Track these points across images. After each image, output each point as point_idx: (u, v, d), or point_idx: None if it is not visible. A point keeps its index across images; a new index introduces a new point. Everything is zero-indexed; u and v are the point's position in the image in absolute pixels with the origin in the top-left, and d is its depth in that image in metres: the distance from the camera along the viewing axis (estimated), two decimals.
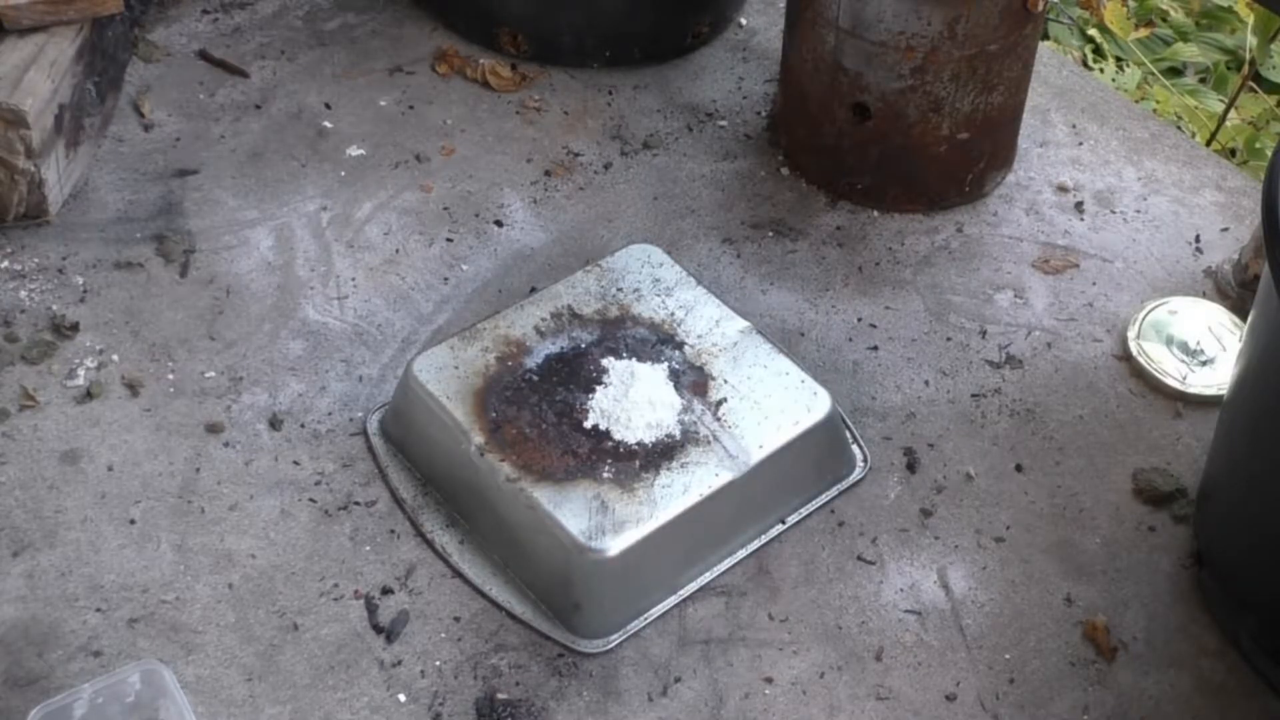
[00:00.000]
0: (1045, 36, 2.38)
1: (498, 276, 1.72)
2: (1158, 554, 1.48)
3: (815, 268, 1.76)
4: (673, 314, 1.55)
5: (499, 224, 1.79)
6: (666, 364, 1.49)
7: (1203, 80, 2.59)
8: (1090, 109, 2.01)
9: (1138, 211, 1.86)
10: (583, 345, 1.51)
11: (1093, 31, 2.59)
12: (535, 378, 1.47)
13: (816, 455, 1.49)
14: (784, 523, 1.48)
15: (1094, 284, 1.76)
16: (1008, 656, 1.39)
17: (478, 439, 1.41)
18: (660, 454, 1.41)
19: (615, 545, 1.34)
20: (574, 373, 1.47)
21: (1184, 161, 1.94)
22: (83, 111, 1.77)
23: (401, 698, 1.33)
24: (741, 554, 1.45)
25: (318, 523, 1.46)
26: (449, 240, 1.76)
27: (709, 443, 1.42)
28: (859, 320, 1.70)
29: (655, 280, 1.58)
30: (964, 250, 1.80)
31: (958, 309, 1.72)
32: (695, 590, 1.42)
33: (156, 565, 1.41)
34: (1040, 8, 1.72)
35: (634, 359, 1.49)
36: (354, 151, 1.87)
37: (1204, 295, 1.74)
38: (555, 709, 1.33)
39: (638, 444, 1.42)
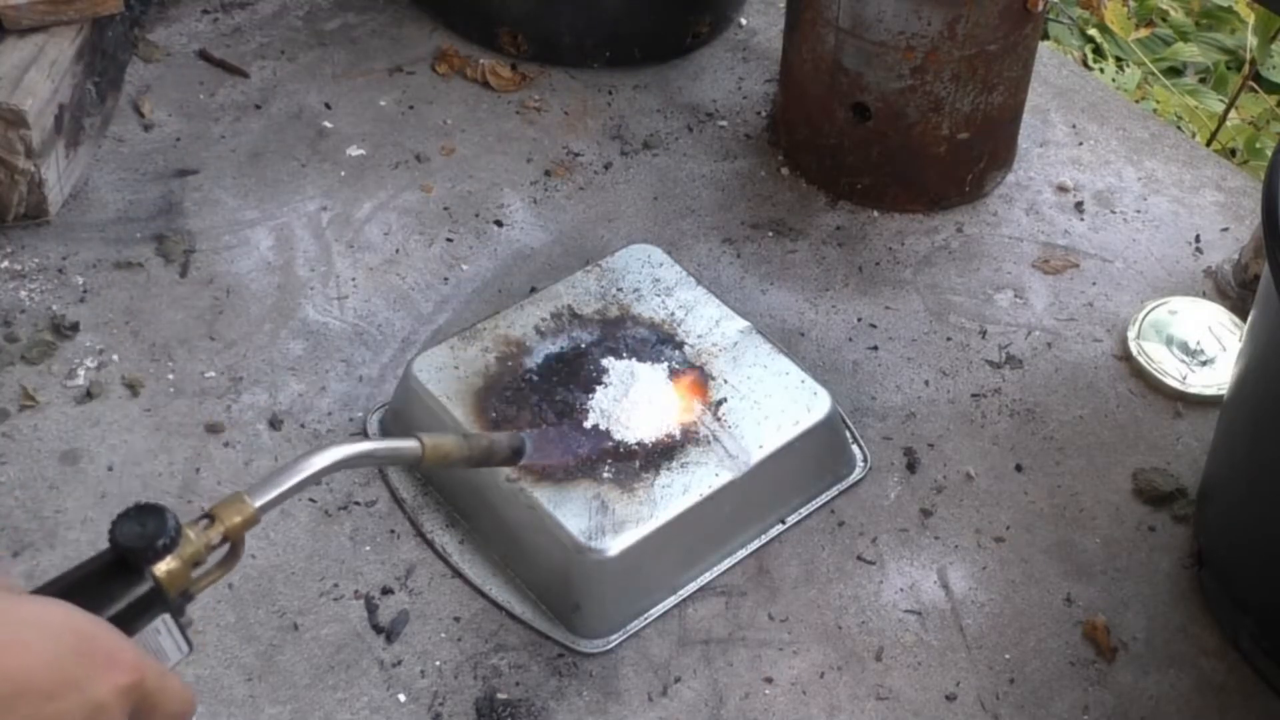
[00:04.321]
0: (1045, 36, 2.38)
1: (498, 276, 1.72)
2: (1158, 554, 1.48)
3: (815, 268, 1.76)
4: (673, 314, 1.54)
5: (499, 224, 1.79)
6: (666, 364, 1.49)
7: (1203, 80, 2.59)
8: (1090, 109, 2.01)
9: (1138, 211, 1.86)
10: (583, 345, 1.51)
11: (1093, 31, 2.59)
12: (535, 378, 1.47)
13: (816, 455, 1.49)
14: (784, 523, 1.48)
15: (1094, 284, 1.76)
16: (1008, 656, 1.39)
17: None
18: (660, 454, 1.41)
19: (615, 545, 1.34)
20: (574, 373, 1.47)
21: (1184, 161, 1.94)
22: (83, 111, 1.77)
23: (401, 698, 1.33)
24: (741, 554, 1.45)
25: (317, 523, 1.46)
26: (449, 240, 1.77)
27: (709, 443, 1.42)
28: (859, 320, 1.70)
29: (655, 280, 1.58)
30: (964, 250, 1.80)
31: (958, 309, 1.72)
32: (695, 590, 1.42)
33: None
34: (1040, 8, 1.72)
35: (634, 359, 1.49)
36: (354, 151, 1.87)
37: (1204, 295, 1.74)
38: (555, 709, 1.33)
39: (638, 444, 1.41)
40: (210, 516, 0.92)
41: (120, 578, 0.85)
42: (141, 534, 0.85)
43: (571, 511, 1.35)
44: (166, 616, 0.86)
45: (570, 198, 1.83)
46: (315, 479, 1.01)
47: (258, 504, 0.95)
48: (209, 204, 1.78)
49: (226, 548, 0.93)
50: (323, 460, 1.02)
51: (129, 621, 0.84)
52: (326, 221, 1.78)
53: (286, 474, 0.99)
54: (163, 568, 0.85)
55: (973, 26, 1.67)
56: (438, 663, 1.36)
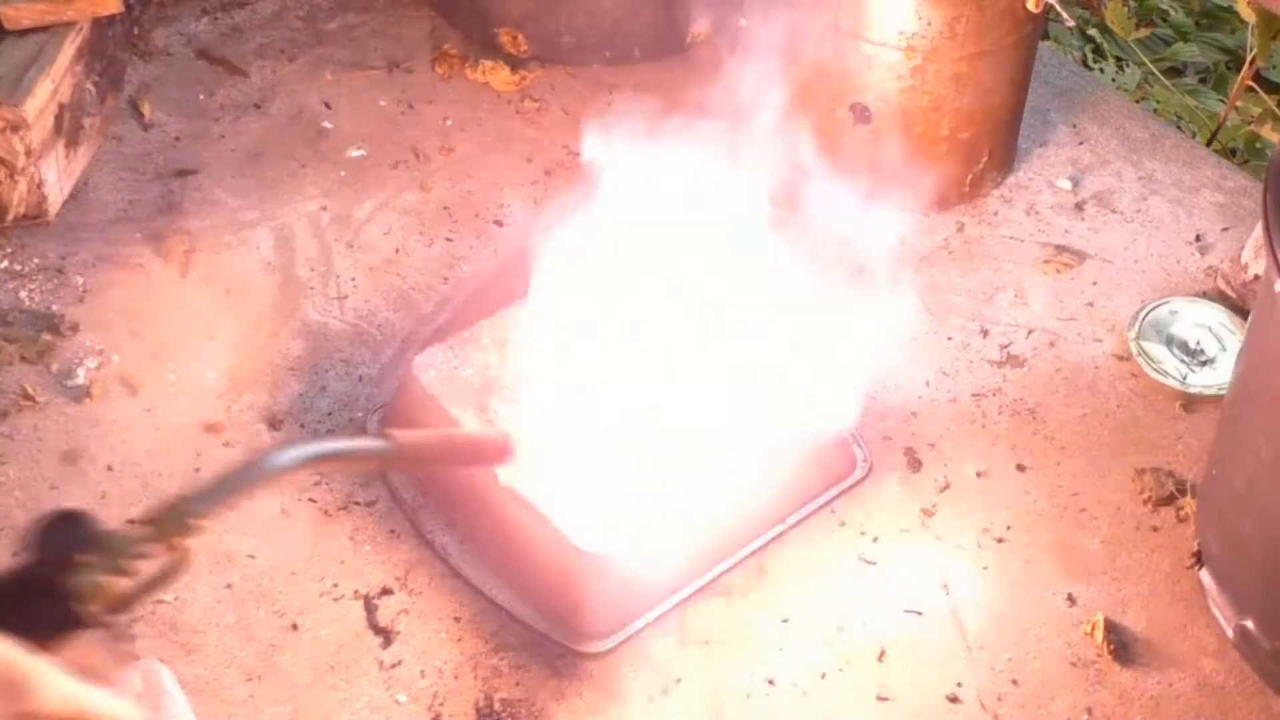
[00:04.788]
0: (1045, 36, 2.37)
1: (498, 276, 1.72)
2: (1158, 554, 1.48)
3: (815, 267, 1.75)
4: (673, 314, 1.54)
5: (499, 224, 1.79)
6: (666, 364, 1.48)
7: (1203, 80, 2.58)
8: (1090, 109, 2.01)
9: (1138, 211, 1.86)
10: (582, 347, 1.50)
11: (1093, 31, 2.59)
12: (535, 377, 1.46)
13: (817, 455, 1.49)
14: (784, 523, 1.48)
15: (1094, 284, 1.76)
16: (1008, 657, 1.39)
17: None
18: (660, 454, 1.41)
19: (615, 545, 1.34)
20: (574, 373, 1.47)
21: (1184, 161, 1.94)
22: (83, 111, 1.77)
23: (401, 698, 1.33)
24: (741, 554, 1.45)
25: (317, 523, 1.46)
26: (449, 240, 1.76)
27: (709, 443, 1.42)
28: (859, 320, 1.70)
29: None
30: (964, 250, 1.80)
31: (958, 309, 1.72)
32: (695, 590, 1.42)
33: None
34: (1040, 8, 1.71)
35: (634, 359, 1.48)
36: (354, 151, 1.87)
37: (1204, 295, 1.74)
38: (555, 709, 1.33)
39: (639, 444, 1.41)
40: (147, 522, 0.84)
41: (37, 590, 0.79)
42: (62, 543, 0.78)
43: (571, 512, 1.35)
44: (97, 630, 0.80)
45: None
46: (267, 482, 0.92)
47: (200, 510, 0.85)
48: (209, 204, 1.78)
49: (170, 557, 0.84)
50: (278, 462, 0.93)
51: (47, 637, 0.77)
52: (326, 221, 1.78)
53: (236, 478, 0.90)
54: (85, 578, 0.79)
55: (973, 26, 1.67)
56: (437, 663, 1.35)
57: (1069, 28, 2.21)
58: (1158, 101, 2.42)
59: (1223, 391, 1.54)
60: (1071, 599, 1.44)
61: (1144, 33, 2.50)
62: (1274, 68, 2.53)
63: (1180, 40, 2.63)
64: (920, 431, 1.58)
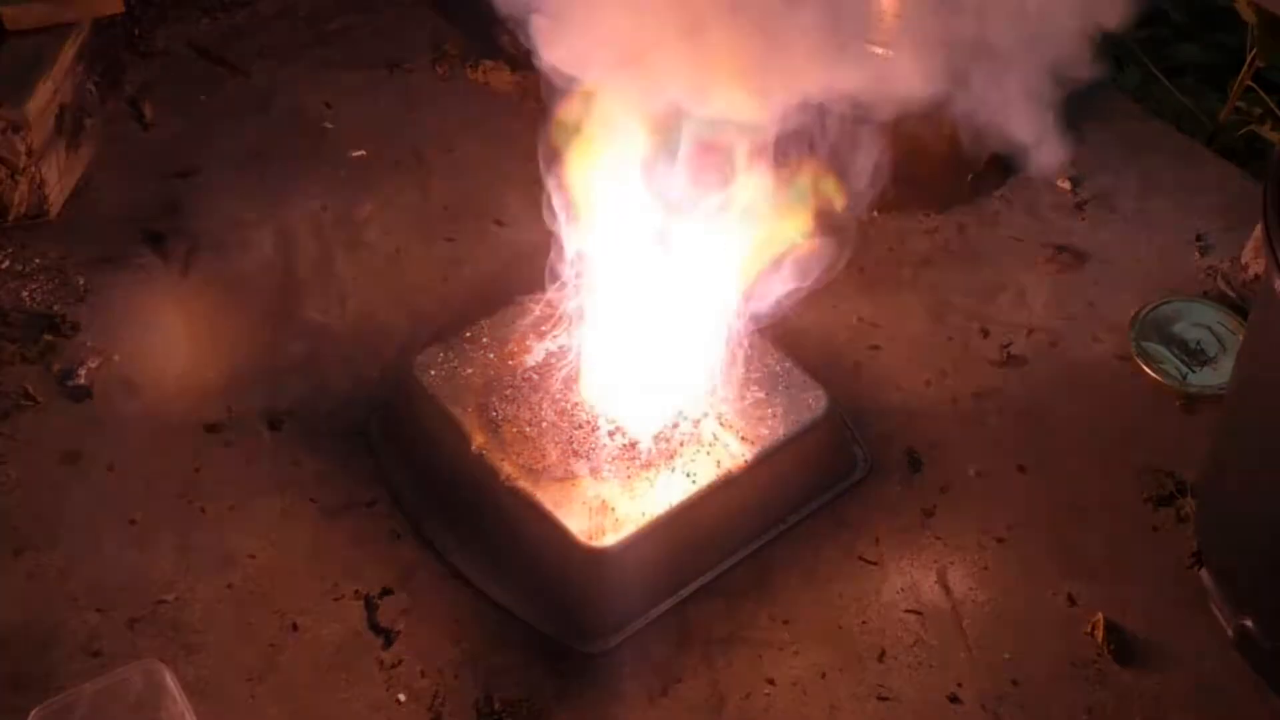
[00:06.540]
0: None
1: (498, 276, 1.72)
2: (1159, 554, 1.48)
3: (816, 267, 1.75)
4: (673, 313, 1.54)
5: (499, 223, 1.79)
6: (667, 363, 1.48)
7: (1203, 80, 2.58)
8: (1090, 109, 2.01)
9: (1138, 211, 1.86)
10: (583, 344, 1.50)
11: None
12: (535, 377, 1.47)
13: (817, 455, 1.49)
14: (784, 523, 1.48)
15: (1094, 284, 1.76)
16: (1008, 656, 1.39)
17: (478, 439, 1.41)
18: (661, 453, 1.41)
19: (616, 544, 1.34)
20: (574, 372, 1.47)
21: (1184, 161, 1.94)
22: (83, 111, 1.78)
23: (401, 697, 1.33)
24: (742, 554, 1.45)
25: (318, 523, 1.46)
26: (449, 240, 1.76)
27: (709, 442, 1.42)
28: (859, 320, 1.70)
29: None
30: (964, 250, 1.80)
31: (958, 309, 1.72)
32: (695, 590, 1.42)
33: (157, 565, 1.41)
34: None
35: (635, 358, 1.48)
36: (354, 151, 1.87)
37: (1204, 295, 1.74)
38: (555, 709, 1.33)
39: (639, 442, 1.41)
40: None
41: None
42: None
43: (571, 511, 1.35)
44: None
45: None
46: None
47: None
48: (210, 204, 1.78)
49: None
50: None
51: None
52: (326, 221, 1.78)
53: None
54: None
55: None
56: (438, 663, 1.35)
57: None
58: (1158, 101, 2.42)
59: (1223, 391, 1.54)
60: (1071, 599, 1.44)
61: (1144, 33, 2.50)
62: (1274, 68, 2.53)
63: (1180, 40, 2.62)
64: (920, 431, 1.58)
